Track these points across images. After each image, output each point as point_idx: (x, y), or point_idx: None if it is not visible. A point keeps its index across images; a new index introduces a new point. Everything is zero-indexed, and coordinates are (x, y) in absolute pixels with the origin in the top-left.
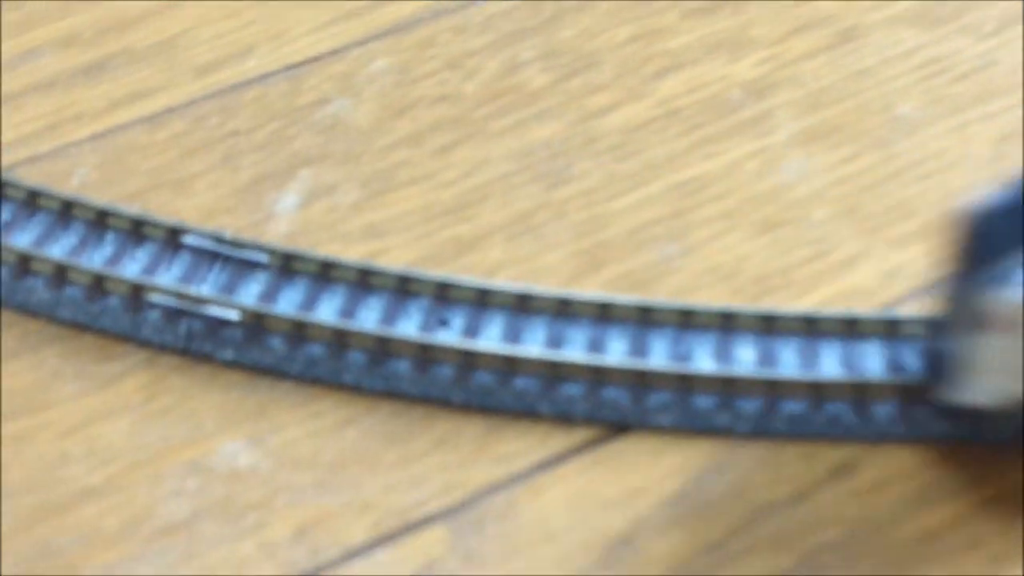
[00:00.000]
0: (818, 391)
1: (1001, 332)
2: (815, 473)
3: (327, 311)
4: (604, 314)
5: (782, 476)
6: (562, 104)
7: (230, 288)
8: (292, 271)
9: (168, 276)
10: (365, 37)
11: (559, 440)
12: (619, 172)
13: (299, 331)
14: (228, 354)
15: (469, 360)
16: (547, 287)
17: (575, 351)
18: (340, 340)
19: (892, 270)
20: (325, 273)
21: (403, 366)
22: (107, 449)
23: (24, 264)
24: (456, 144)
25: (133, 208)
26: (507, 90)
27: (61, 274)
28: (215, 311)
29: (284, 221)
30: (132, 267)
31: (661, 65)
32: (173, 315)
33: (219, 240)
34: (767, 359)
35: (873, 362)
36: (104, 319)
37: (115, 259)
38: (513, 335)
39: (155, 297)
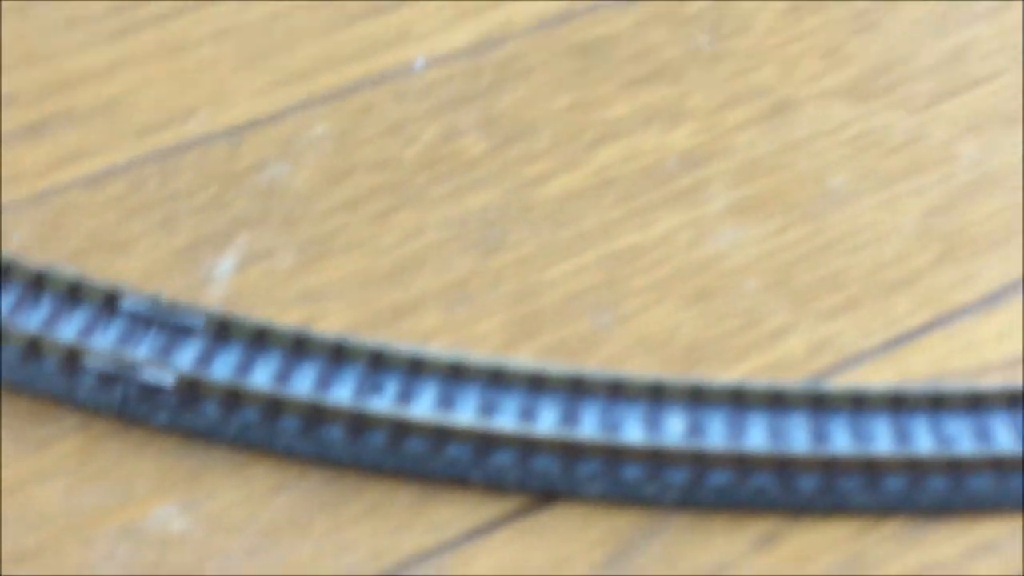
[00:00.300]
0: (744, 463)
1: None
2: (741, 543)
3: (262, 376)
4: (536, 383)
5: (709, 546)
6: (499, 172)
7: (166, 352)
8: (227, 336)
9: (104, 339)
10: (306, 102)
11: (490, 508)
12: (554, 240)
13: (233, 396)
14: (163, 418)
15: (402, 427)
16: (481, 355)
17: (506, 420)
18: (274, 406)
19: (820, 341)
20: (260, 338)
21: (336, 432)
22: (40, 512)
23: None
24: (394, 210)
25: (70, 270)
26: (445, 157)
27: None
28: (150, 376)
29: (221, 285)
30: (68, 330)
31: (598, 134)
32: (108, 379)
33: (156, 304)
34: (695, 430)
35: (799, 434)
36: (39, 381)
37: (51, 321)
38: (446, 402)
39: (91, 361)
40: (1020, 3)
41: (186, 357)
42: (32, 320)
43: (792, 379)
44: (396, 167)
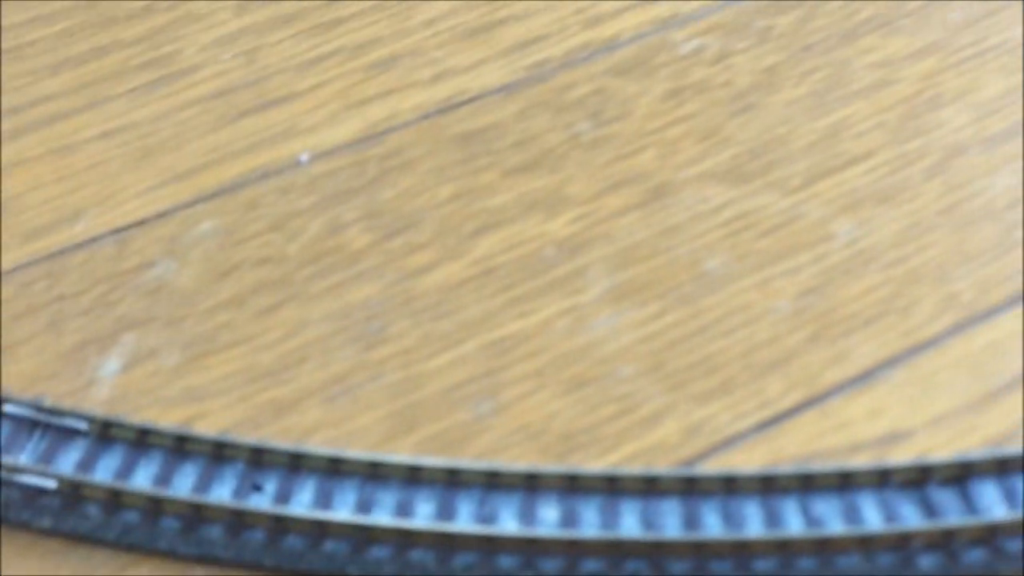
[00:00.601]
0: (618, 549)
1: None
2: None
3: (143, 478)
4: (413, 476)
5: None
6: (382, 264)
7: (49, 456)
8: (110, 438)
9: None
10: (193, 199)
11: None
12: (435, 331)
13: (115, 498)
14: (45, 522)
15: (281, 524)
16: (360, 449)
17: (383, 515)
18: (155, 507)
19: (694, 425)
20: (142, 439)
21: (216, 531)
22: None
23: None
24: (278, 306)
25: None
26: (329, 251)
27: None
28: (33, 480)
29: (106, 386)
30: None
31: (480, 224)
32: None
33: (39, 408)
34: (569, 518)
35: (671, 519)
36: None
37: None
38: (324, 499)
39: None
40: (898, 82)
41: (70, 459)
42: None
43: (666, 464)
44: (281, 262)
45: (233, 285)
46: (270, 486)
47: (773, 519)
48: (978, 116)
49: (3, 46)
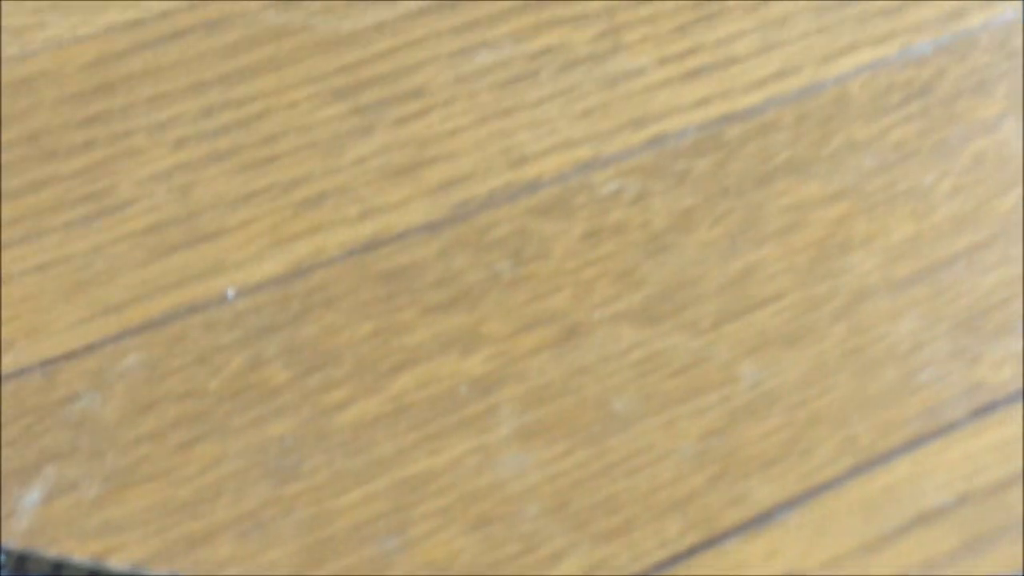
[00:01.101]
0: None
1: None
2: None
3: None
4: None
5: None
6: (299, 400)
7: None
8: (26, 571)
9: None
10: (120, 333)
11: None
12: (348, 468)
13: None
14: None
15: None
16: None
17: None
18: None
19: (594, 564)
20: (56, 573)
21: None
22: None
23: None
24: (197, 440)
25: None
26: (249, 386)
27: None
28: None
29: (26, 518)
30: None
31: (397, 361)
32: None
33: None
34: None
35: None
36: None
37: None
38: None
39: None
40: (809, 225)
41: None
42: None
43: None
44: (202, 397)
45: (155, 419)
46: None
47: None
48: (886, 260)
49: None
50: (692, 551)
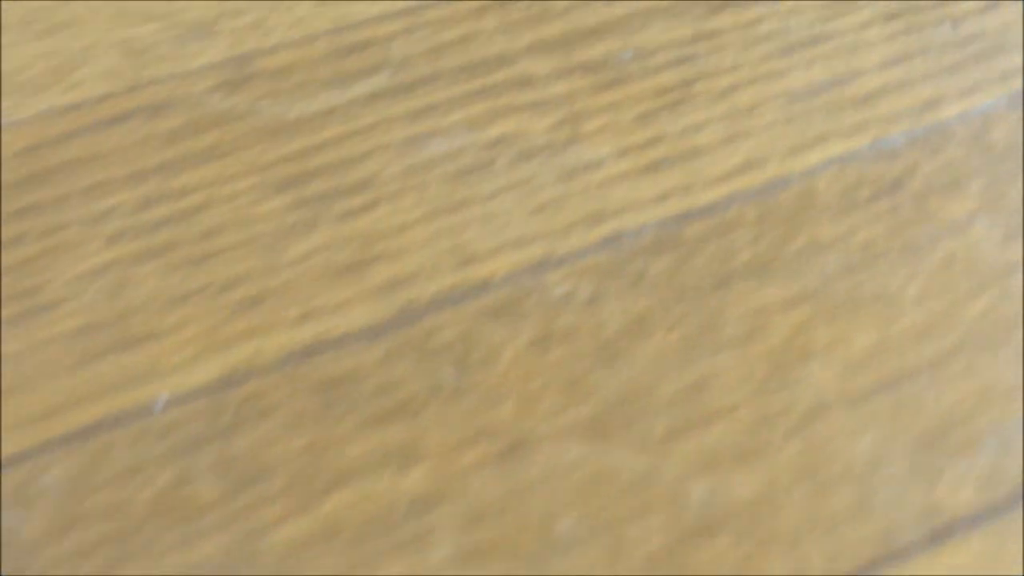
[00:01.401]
0: None
1: None
2: None
3: None
4: None
5: None
6: (230, 518)
7: None
8: None
9: None
10: (43, 444)
11: None
12: None
13: None
14: None
15: None
16: None
17: None
18: None
19: None
20: None
21: None
22: None
23: None
24: (120, 561)
25: None
26: (177, 503)
27: None
28: None
29: None
30: None
31: (332, 477)
32: None
33: None
34: None
35: None
36: None
37: None
38: None
39: None
40: (768, 330)
41: None
42: None
43: None
44: (128, 514)
45: (76, 539)
46: None
47: None
48: (845, 371)
49: None
50: None
